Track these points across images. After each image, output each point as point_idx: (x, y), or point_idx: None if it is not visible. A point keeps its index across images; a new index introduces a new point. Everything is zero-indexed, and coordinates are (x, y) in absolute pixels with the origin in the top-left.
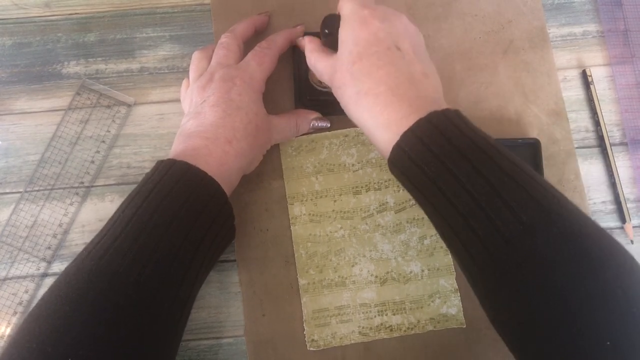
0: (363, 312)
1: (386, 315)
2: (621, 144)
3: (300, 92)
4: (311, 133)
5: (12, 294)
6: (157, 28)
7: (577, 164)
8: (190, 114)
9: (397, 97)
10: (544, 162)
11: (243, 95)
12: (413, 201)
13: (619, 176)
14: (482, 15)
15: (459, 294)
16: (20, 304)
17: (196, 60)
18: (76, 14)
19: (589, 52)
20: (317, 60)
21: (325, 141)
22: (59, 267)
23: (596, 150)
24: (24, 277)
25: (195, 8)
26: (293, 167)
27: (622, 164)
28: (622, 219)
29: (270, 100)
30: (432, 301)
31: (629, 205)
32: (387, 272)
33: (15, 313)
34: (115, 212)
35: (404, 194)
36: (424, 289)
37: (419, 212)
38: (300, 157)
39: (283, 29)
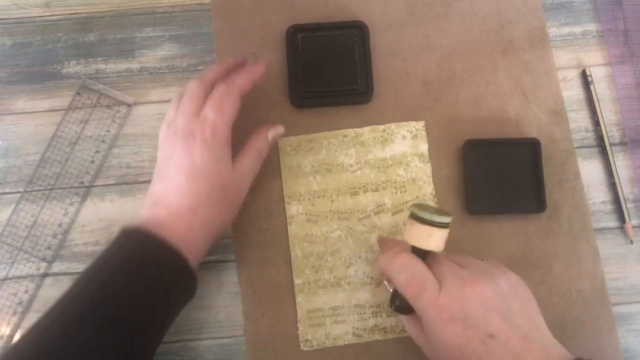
0: (357, 313)
1: (380, 317)
2: (621, 143)
3: (294, 86)
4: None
5: (12, 294)
6: (157, 28)
7: (577, 164)
8: (159, 170)
9: None
10: (544, 162)
11: (204, 154)
12: (410, 203)
13: (618, 176)
14: (482, 15)
15: None
16: (20, 304)
17: (174, 101)
18: (76, 13)
19: (589, 51)
20: (409, 328)
21: (324, 141)
22: (59, 267)
23: (596, 150)
24: (24, 277)
25: (195, 8)
26: (291, 166)
27: (621, 164)
28: (622, 219)
29: (264, 95)
30: None
31: (628, 205)
32: (383, 274)
33: (15, 313)
34: (72, 286)
35: (401, 196)
36: None
37: None
38: (298, 156)
39: (247, 68)
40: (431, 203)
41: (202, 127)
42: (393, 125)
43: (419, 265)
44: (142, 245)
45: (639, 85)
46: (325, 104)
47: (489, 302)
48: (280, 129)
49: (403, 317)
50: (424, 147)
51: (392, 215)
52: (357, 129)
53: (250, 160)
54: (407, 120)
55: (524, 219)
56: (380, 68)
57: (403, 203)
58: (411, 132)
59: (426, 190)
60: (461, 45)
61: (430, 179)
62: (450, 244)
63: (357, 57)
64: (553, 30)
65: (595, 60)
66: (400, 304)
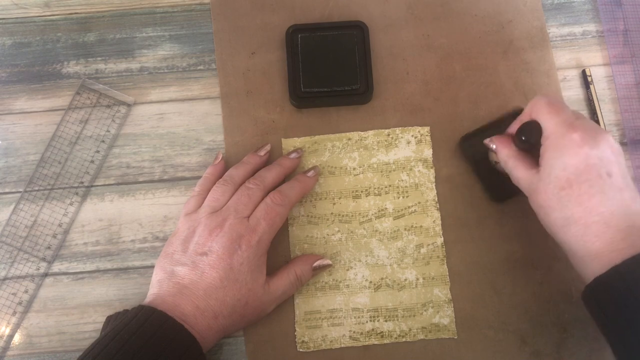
0: (355, 317)
1: (378, 321)
2: (621, 143)
3: (294, 86)
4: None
5: (12, 294)
6: (157, 28)
7: None
8: (189, 254)
9: (610, 228)
10: None
11: (244, 264)
12: (412, 208)
13: None
14: (482, 15)
15: (452, 304)
16: (20, 304)
17: (217, 188)
18: (76, 13)
19: (589, 52)
20: (515, 168)
21: (328, 143)
22: (59, 267)
23: None
24: (24, 277)
25: (195, 7)
26: None
27: None
28: None
29: (264, 95)
30: (425, 310)
31: None
32: (382, 279)
33: (15, 313)
34: (87, 355)
35: (404, 201)
36: (418, 298)
37: (417, 220)
38: (301, 157)
39: (297, 177)
40: (434, 210)
41: (250, 236)
42: (398, 130)
43: (561, 101)
44: (167, 333)
45: (639, 85)
46: (325, 104)
47: (616, 152)
48: (327, 262)
49: (515, 163)
50: (428, 152)
51: (394, 219)
52: (361, 133)
53: (287, 284)
54: (407, 120)
55: (525, 218)
56: (380, 68)
57: (405, 208)
58: (416, 137)
59: (429, 196)
60: (461, 45)
61: (434, 184)
62: (450, 244)
63: (357, 57)
64: (553, 31)
65: (595, 61)
66: (529, 133)
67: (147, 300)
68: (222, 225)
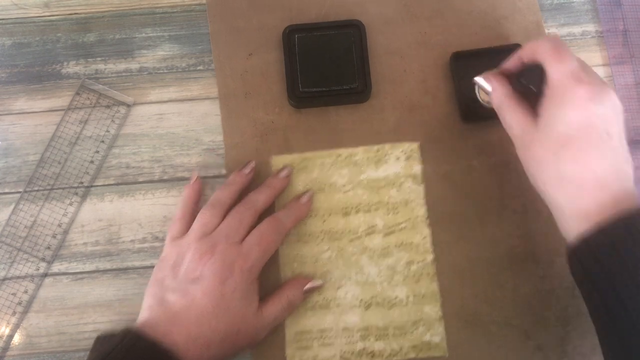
0: (345, 337)
1: (369, 340)
2: None
3: (292, 86)
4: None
5: (12, 294)
6: (157, 28)
7: None
8: (179, 280)
9: (602, 189)
10: None
11: (236, 291)
12: (402, 225)
13: None
14: (477, 12)
15: (443, 322)
16: (19, 304)
17: (205, 212)
18: (75, 14)
19: (588, 52)
20: (509, 112)
21: (318, 160)
22: (58, 267)
23: None
24: (24, 277)
25: (194, 8)
26: None
27: None
28: None
29: (263, 96)
30: (416, 328)
31: None
32: (372, 297)
33: (14, 313)
34: None
35: (393, 218)
36: (409, 316)
37: (407, 237)
38: (291, 175)
39: (292, 204)
40: (424, 226)
41: (243, 262)
42: (387, 146)
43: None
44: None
45: (638, 85)
46: (323, 103)
47: (617, 111)
48: (318, 284)
49: (511, 106)
50: (417, 168)
51: (384, 236)
52: (350, 149)
53: (278, 309)
54: (405, 117)
55: (526, 213)
56: (378, 66)
57: (395, 224)
58: (405, 153)
59: (419, 212)
60: (458, 42)
61: (424, 200)
62: (452, 241)
63: (354, 56)
64: (552, 31)
65: (595, 61)
66: (532, 79)
67: (138, 324)
68: (212, 250)
